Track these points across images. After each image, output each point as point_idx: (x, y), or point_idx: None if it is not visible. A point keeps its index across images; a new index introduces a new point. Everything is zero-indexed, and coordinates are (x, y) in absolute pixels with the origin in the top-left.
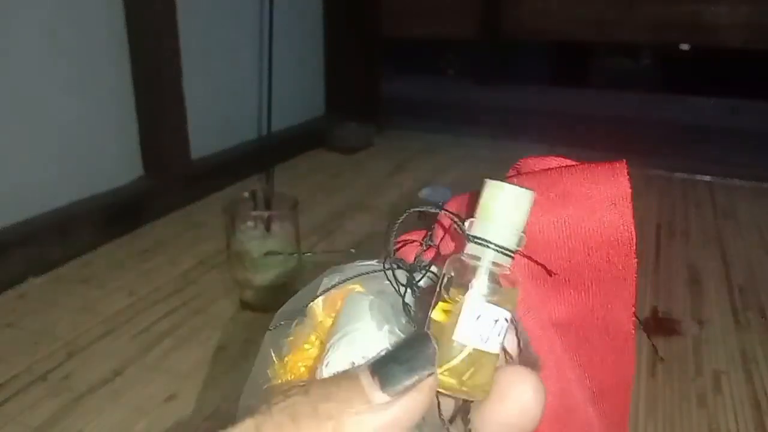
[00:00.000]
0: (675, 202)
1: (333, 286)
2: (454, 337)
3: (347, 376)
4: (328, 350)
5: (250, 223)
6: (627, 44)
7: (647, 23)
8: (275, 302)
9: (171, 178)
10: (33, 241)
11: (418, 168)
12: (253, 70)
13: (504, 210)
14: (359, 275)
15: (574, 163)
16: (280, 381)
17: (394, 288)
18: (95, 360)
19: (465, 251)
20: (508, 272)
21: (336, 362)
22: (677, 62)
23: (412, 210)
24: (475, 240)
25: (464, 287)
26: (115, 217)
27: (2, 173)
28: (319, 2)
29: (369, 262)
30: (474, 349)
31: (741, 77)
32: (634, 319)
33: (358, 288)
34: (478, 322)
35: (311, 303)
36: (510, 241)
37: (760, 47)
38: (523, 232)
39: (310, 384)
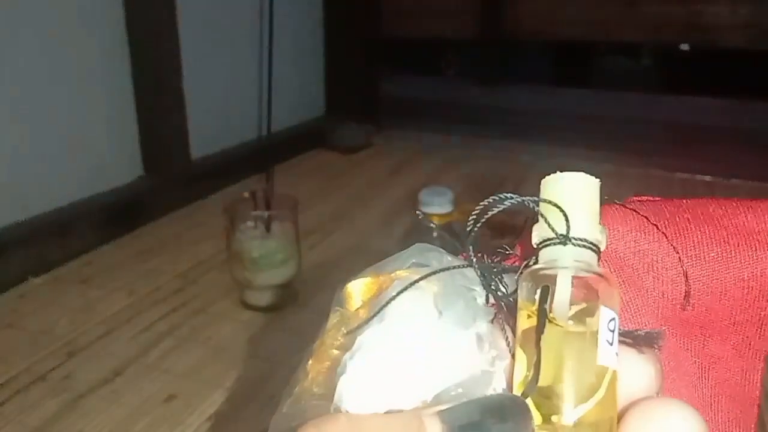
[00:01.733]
0: None
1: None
2: (600, 362)
3: (409, 423)
4: (360, 344)
5: (250, 223)
6: (627, 44)
7: (647, 23)
8: (275, 302)
9: (171, 178)
10: (33, 241)
11: (418, 168)
12: (253, 70)
13: (573, 200)
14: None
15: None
16: (303, 391)
17: (483, 285)
18: (95, 360)
19: (539, 263)
20: (599, 271)
21: (368, 353)
22: (677, 62)
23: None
24: (552, 240)
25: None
26: (115, 217)
27: (2, 173)
28: (319, 2)
29: (435, 248)
30: (614, 372)
31: (741, 77)
32: (761, 380)
33: (414, 276)
34: (613, 336)
35: (347, 284)
36: (591, 233)
37: (760, 47)
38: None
39: (358, 417)
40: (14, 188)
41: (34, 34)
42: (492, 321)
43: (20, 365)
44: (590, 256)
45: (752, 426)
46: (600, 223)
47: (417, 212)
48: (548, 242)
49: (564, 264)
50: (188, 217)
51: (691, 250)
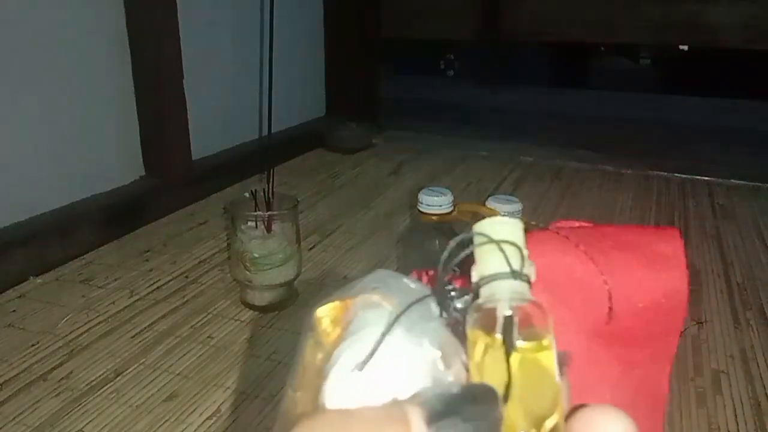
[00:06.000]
0: (674, 202)
1: (351, 294)
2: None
3: (392, 417)
4: (337, 358)
5: (250, 223)
6: (627, 44)
7: (647, 23)
8: (275, 302)
9: (172, 178)
10: (33, 241)
11: (418, 168)
12: (254, 71)
13: (506, 241)
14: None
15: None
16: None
17: (443, 308)
18: (96, 360)
19: (481, 298)
20: (533, 299)
21: (345, 374)
22: (677, 62)
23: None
24: (485, 280)
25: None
26: (116, 216)
27: (2, 173)
28: (319, 2)
29: (394, 273)
30: (560, 386)
31: (741, 77)
32: (669, 380)
33: (375, 296)
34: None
35: (316, 311)
36: (524, 268)
37: (760, 47)
38: (530, 264)
39: (342, 418)
40: (15, 188)
41: (34, 34)
42: (448, 328)
43: (20, 365)
44: (525, 288)
45: (663, 416)
46: (528, 258)
47: (416, 211)
48: (489, 279)
49: (504, 296)
50: (189, 217)
51: (615, 273)
